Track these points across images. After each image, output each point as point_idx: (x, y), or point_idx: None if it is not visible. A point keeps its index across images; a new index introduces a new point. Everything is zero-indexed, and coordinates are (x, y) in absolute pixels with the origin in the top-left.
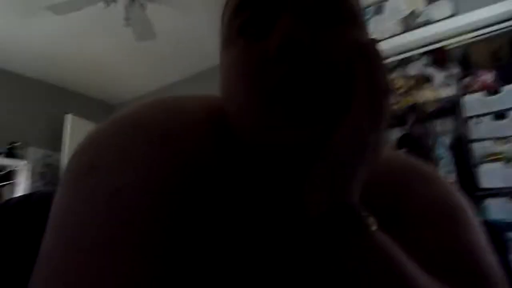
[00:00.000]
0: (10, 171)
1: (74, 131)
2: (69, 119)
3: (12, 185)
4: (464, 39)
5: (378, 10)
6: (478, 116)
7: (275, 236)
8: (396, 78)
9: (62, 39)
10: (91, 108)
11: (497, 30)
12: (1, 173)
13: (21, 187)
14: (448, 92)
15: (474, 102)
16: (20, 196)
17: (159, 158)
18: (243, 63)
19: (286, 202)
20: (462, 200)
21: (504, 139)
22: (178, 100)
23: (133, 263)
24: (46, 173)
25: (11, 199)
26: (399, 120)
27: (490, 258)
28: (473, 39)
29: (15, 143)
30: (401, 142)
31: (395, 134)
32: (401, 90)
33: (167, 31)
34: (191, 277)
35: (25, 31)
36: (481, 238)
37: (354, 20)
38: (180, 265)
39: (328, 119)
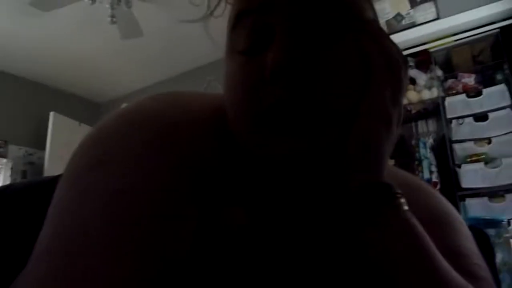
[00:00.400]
0: None
1: (58, 129)
2: (52, 117)
3: None
4: (447, 42)
5: None
6: (459, 117)
7: (303, 225)
8: None
9: (47, 37)
10: (76, 106)
11: (478, 34)
12: None
13: (2, 184)
14: (431, 94)
15: (456, 104)
16: None
17: (164, 160)
18: (240, 81)
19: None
20: (452, 209)
21: (484, 140)
22: (185, 98)
23: (133, 264)
24: (28, 171)
25: None
26: None
27: (481, 261)
28: (456, 42)
29: None
30: None
31: None
32: None
33: (154, 29)
34: (192, 279)
35: (10, 28)
36: (472, 243)
37: (358, 24)
38: (181, 267)
39: (325, 133)
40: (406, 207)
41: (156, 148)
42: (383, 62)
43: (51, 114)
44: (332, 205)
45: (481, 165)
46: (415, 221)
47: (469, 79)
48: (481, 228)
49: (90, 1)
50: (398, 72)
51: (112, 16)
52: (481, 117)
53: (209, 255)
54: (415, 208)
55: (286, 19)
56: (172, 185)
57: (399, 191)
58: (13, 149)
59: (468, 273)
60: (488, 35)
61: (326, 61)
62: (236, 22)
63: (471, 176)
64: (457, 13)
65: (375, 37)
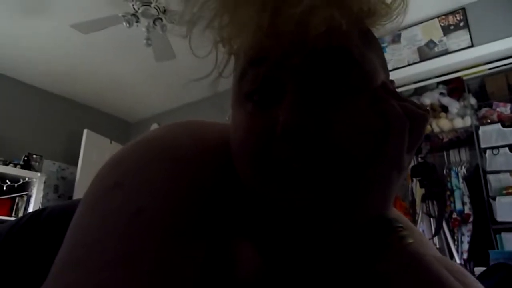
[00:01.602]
0: (25, 182)
1: (90, 146)
2: (86, 134)
3: (27, 196)
4: (481, 70)
5: (395, 39)
6: (494, 147)
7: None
8: None
9: (85, 57)
10: (108, 125)
11: None
12: (16, 184)
13: (35, 198)
14: (464, 122)
15: (490, 133)
16: (30, 213)
17: (181, 183)
18: (249, 132)
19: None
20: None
21: None
22: (200, 127)
23: (148, 282)
24: (60, 186)
25: (22, 217)
26: None
27: None
28: (490, 71)
29: (32, 155)
30: (415, 171)
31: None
32: None
33: (186, 52)
34: None
35: (51, 49)
36: None
37: (368, 84)
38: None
39: (335, 189)
40: (410, 240)
41: (169, 175)
42: (403, 118)
43: (85, 131)
44: (338, 241)
45: None
46: (421, 249)
47: (505, 108)
48: None
49: (128, 25)
50: (421, 125)
51: (148, 39)
52: None
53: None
54: None
55: (297, 76)
56: (185, 211)
57: (401, 224)
58: (47, 164)
59: None
60: None
61: (338, 120)
62: (246, 71)
63: (507, 209)
64: (491, 41)
65: (390, 97)
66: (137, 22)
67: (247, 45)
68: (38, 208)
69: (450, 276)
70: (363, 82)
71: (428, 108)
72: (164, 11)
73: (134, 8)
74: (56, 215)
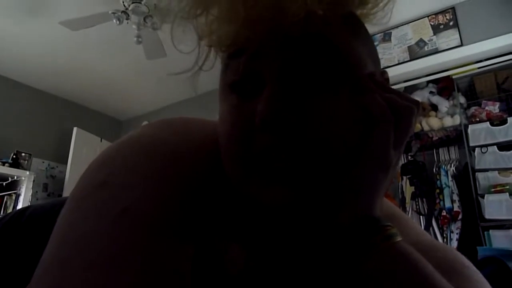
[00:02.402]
0: (14, 180)
1: (80, 145)
2: (75, 132)
3: (15, 195)
4: (470, 69)
5: (386, 38)
6: (483, 146)
7: (296, 253)
8: None
9: (75, 55)
10: (98, 123)
11: (503, 61)
12: (5, 182)
13: (24, 197)
14: (453, 121)
15: (479, 132)
16: (12, 213)
17: (167, 183)
18: (231, 124)
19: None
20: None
21: (509, 170)
22: (188, 123)
23: (134, 279)
24: (49, 185)
25: (4, 217)
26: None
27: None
28: (479, 70)
29: (21, 153)
30: (405, 169)
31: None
32: None
33: (177, 50)
34: None
35: (40, 48)
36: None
37: (351, 73)
38: (180, 284)
39: (317, 181)
40: (399, 238)
41: (155, 174)
42: (386, 111)
43: (75, 129)
44: (323, 240)
45: (505, 195)
46: (408, 247)
47: (493, 107)
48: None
49: (118, 22)
50: (408, 118)
51: (138, 37)
52: (505, 146)
53: (207, 285)
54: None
55: (275, 66)
56: (172, 209)
57: (388, 224)
58: (36, 162)
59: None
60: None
61: (316, 110)
62: (228, 63)
63: (495, 207)
64: (481, 40)
65: (375, 89)
66: (127, 19)
67: (225, 37)
68: None
69: (437, 274)
70: (344, 70)
71: (418, 100)
72: (155, 8)
73: (124, 5)
74: (38, 215)
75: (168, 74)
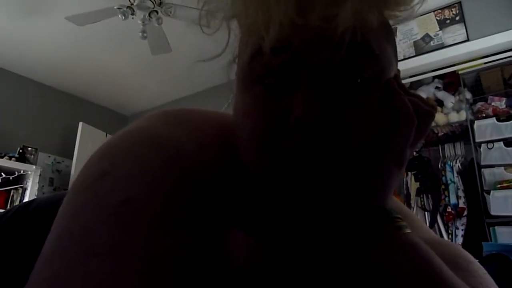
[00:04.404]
0: (20, 175)
1: (85, 139)
2: (81, 127)
3: (22, 189)
4: (476, 65)
5: None
6: (489, 142)
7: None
8: None
9: (81, 50)
10: (104, 118)
11: (509, 57)
12: (11, 176)
13: (30, 191)
14: (459, 116)
15: (485, 128)
16: (17, 206)
17: (170, 173)
18: (259, 118)
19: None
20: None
21: None
22: (191, 115)
23: (137, 270)
24: (55, 179)
25: (9, 210)
26: None
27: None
28: (485, 65)
29: (27, 147)
30: (410, 165)
31: None
32: None
33: (182, 46)
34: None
35: (47, 43)
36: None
37: (383, 78)
38: (186, 274)
39: (341, 179)
40: (408, 230)
41: (158, 165)
42: (412, 114)
43: (80, 124)
44: (335, 229)
45: (511, 192)
46: (417, 238)
47: (500, 103)
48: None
49: (123, 17)
50: (428, 122)
51: (143, 32)
52: (511, 142)
53: (212, 275)
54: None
55: (315, 70)
56: (175, 199)
57: (399, 216)
58: (42, 157)
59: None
60: None
61: (350, 115)
62: (260, 53)
63: (501, 203)
64: (487, 35)
65: (400, 91)
66: (132, 14)
67: (272, 31)
68: None
69: (444, 265)
70: (378, 76)
71: (435, 104)
72: (160, 4)
73: (129, 0)
74: (43, 208)
75: (198, 60)
